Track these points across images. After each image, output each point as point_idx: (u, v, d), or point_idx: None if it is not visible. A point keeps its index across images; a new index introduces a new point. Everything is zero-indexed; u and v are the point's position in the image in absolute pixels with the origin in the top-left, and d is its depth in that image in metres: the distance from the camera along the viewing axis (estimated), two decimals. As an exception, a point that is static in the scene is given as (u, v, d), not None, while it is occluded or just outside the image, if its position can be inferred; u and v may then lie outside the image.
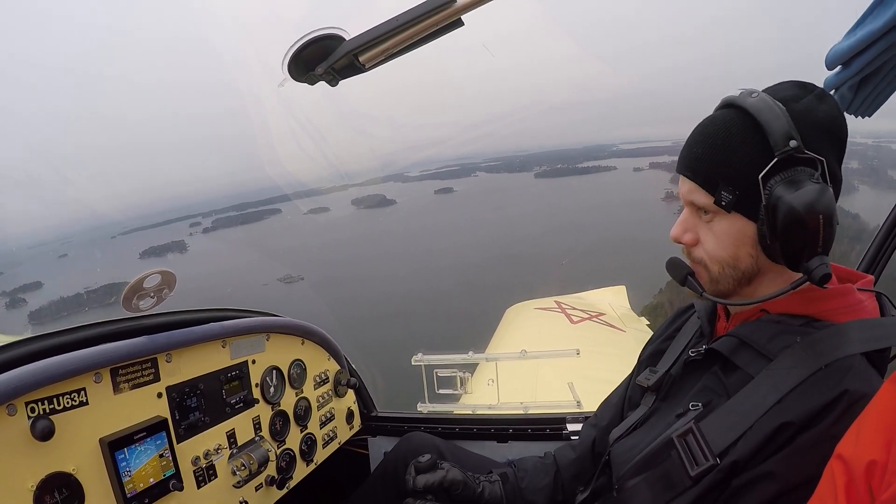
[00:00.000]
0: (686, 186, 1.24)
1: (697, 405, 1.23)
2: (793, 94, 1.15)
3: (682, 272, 1.29)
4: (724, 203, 1.17)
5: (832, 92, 1.46)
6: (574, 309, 8.43)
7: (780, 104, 1.11)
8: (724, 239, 1.21)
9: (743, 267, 1.22)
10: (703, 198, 1.20)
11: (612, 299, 10.40)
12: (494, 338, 7.92)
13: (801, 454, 1.02)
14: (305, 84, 1.08)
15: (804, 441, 1.03)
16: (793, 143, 1.08)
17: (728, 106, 1.21)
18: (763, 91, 1.16)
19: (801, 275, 1.16)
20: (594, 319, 8.01)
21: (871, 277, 1.29)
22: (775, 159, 1.09)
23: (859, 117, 1.51)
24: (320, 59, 1.05)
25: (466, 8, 1.05)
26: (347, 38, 1.05)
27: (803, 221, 1.06)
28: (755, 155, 1.12)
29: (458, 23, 1.08)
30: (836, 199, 1.11)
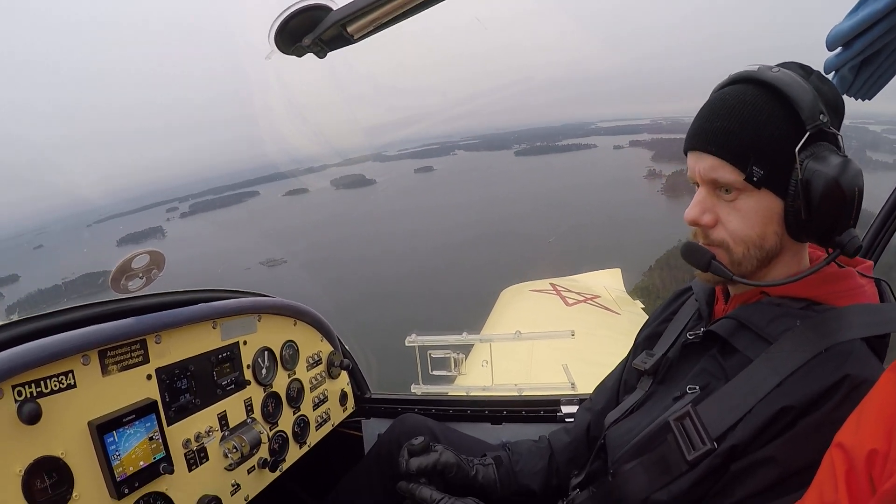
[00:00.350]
0: (707, 163, 1.18)
1: (695, 388, 1.22)
2: (802, 72, 1.15)
3: (703, 257, 1.21)
4: (755, 179, 1.12)
5: (832, 73, 1.43)
6: (569, 291, 8.47)
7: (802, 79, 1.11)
8: (751, 217, 1.16)
9: (768, 246, 1.18)
10: (731, 174, 1.15)
11: (608, 282, 10.45)
12: (489, 319, 7.94)
13: (802, 439, 1.01)
14: (293, 56, 1.05)
15: (805, 426, 1.02)
16: (822, 118, 1.07)
17: (744, 81, 1.18)
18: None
19: (808, 254, 1.18)
20: (589, 302, 8.05)
21: (871, 263, 1.28)
22: (808, 133, 1.08)
23: (859, 100, 1.48)
24: (307, 30, 1.01)
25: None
26: (335, 8, 1.01)
27: (842, 194, 1.05)
28: (786, 129, 1.10)
29: None
30: None
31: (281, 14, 1.00)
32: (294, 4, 1.00)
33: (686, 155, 1.25)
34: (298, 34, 1.01)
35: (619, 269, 11.59)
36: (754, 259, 1.19)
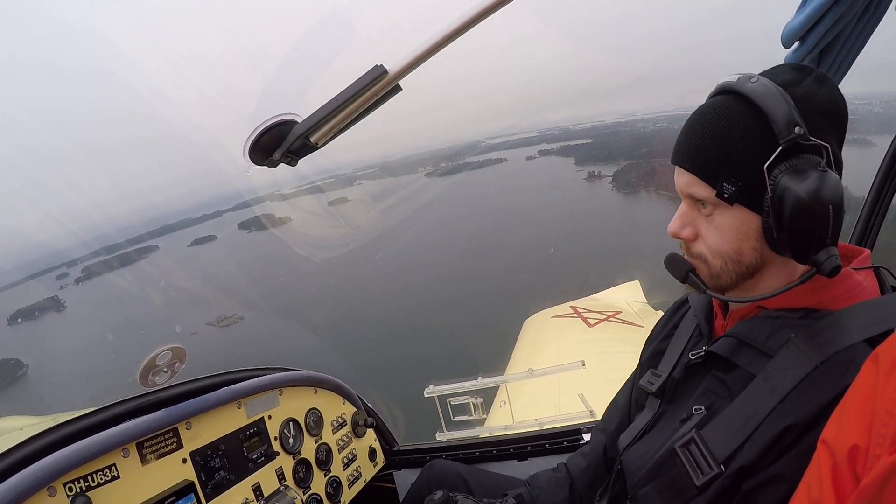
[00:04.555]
0: (684, 179, 1.18)
1: (700, 409, 1.21)
2: (791, 78, 1.10)
3: (682, 269, 1.23)
4: (726, 195, 1.11)
5: None
6: (590, 312, 8.42)
7: (781, 89, 1.07)
8: (726, 233, 1.15)
9: (747, 261, 1.16)
10: (704, 190, 1.14)
11: (628, 296, 10.35)
12: (515, 351, 7.92)
13: (808, 454, 0.96)
14: (267, 168, 1.20)
15: (810, 440, 0.98)
16: (797, 130, 1.03)
17: (725, 92, 1.15)
18: (760, 75, 1.12)
19: (805, 266, 1.12)
20: (611, 319, 7.98)
21: (868, 252, 1.24)
22: (780, 148, 1.04)
23: None
24: (277, 145, 1.17)
25: (401, 75, 1.16)
26: (298, 122, 1.17)
27: (812, 212, 1.01)
28: (758, 144, 1.07)
29: (397, 89, 1.19)
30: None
31: (252, 133, 1.15)
32: (262, 124, 1.16)
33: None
34: (269, 149, 1.17)
35: (637, 282, 11.46)
36: (733, 273, 1.19)
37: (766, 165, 1.05)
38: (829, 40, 1.37)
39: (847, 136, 1.15)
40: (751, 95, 1.08)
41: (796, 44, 1.42)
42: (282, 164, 1.20)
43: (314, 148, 1.19)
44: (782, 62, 1.43)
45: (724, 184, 1.10)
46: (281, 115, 1.16)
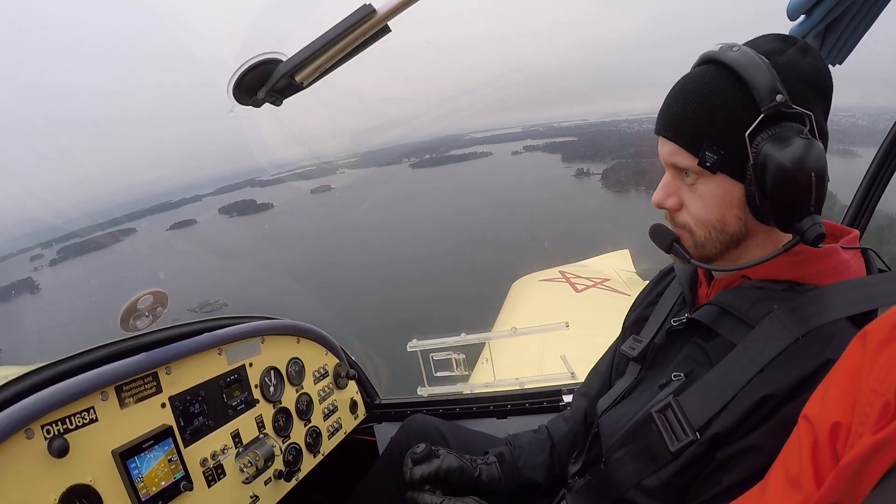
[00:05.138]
0: (667, 148, 1.19)
1: (680, 375, 1.22)
2: (774, 47, 1.10)
3: (666, 238, 1.24)
4: (708, 164, 1.11)
5: None
6: (578, 277, 8.49)
7: (763, 57, 1.06)
8: (710, 201, 1.16)
9: (731, 230, 1.17)
10: (686, 159, 1.15)
11: (617, 264, 10.42)
12: (502, 312, 8.01)
13: (785, 426, 0.97)
14: (251, 107, 1.16)
15: (787, 413, 1.00)
16: (779, 98, 1.03)
17: (707, 62, 1.15)
18: (743, 45, 1.11)
19: (790, 237, 1.12)
20: (599, 286, 8.06)
21: (857, 232, 1.25)
22: (762, 115, 1.05)
23: (830, 65, 1.47)
24: (261, 84, 1.12)
25: (389, 15, 1.11)
26: (284, 59, 1.12)
27: (794, 179, 1.02)
28: (740, 112, 1.08)
29: (385, 29, 1.14)
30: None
31: (236, 71, 1.11)
32: (247, 61, 1.11)
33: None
34: (254, 88, 1.13)
35: (627, 251, 11.51)
36: (717, 242, 1.20)
37: (747, 133, 1.06)
38: (835, 16, 1.35)
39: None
40: (731, 64, 1.08)
41: (801, 17, 1.40)
42: (267, 105, 1.16)
43: (299, 88, 1.15)
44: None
45: (707, 152, 1.11)
46: (266, 53, 1.11)
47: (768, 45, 1.11)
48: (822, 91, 1.11)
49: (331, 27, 1.07)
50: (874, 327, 0.81)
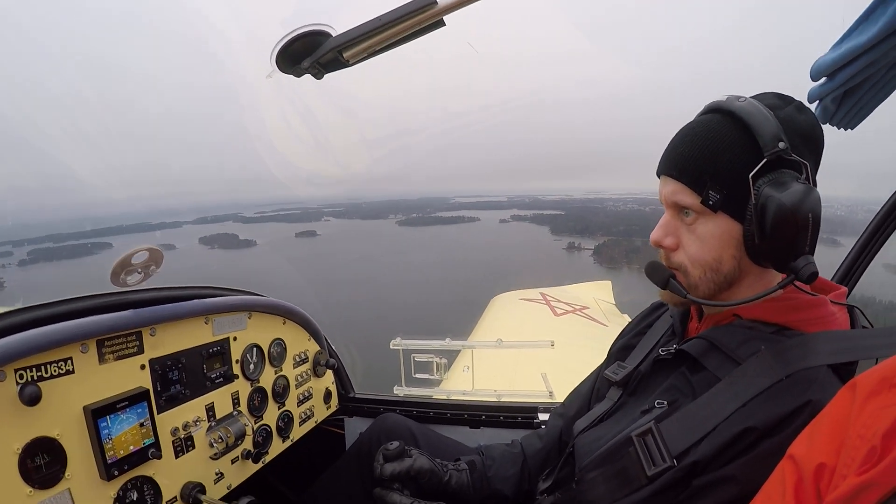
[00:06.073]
0: (670, 187, 1.24)
1: (663, 403, 1.24)
2: (775, 103, 1.18)
3: (663, 275, 1.27)
4: (711, 202, 1.17)
5: (815, 103, 1.48)
6: (559, 301, 8.54)
7: (767, 108, 1.14)
8: (708, 240, 1.21)
9: (725, 270, 1.21)
10: (689, 198, 1.20)
11: (598, 294, 10.50)
12: (478, 325, 8.00)
13: (763, 460, 1.01)
14: (291, 76, 1.13)
15: (766, 448, 1.03)
16: (781, 145, 1.10)
17: (714, 111, 1.23)
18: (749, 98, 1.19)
19: (780, 279, 1.17)
20: (578, 313, 8.11)
21: (845, 289, 1.29)
22: (765, 159, 1.11)
23: (842, 129, 1.53)
24: (307, 54, 1.09)
25: (448, 9, 1.09)
26: (334, 34, 1.10)
27: (794, 219, 1.07)
28: (744, 156, 1.14)
29: (440, 23, 1.12)
30: None
31: (284, 37, 1.08)
32: (297, 29, 1.08)
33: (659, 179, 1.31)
34: (299, 57, 1.10)
35: (609, 282, 11.62)
36: (711, 283, 1.23)
37: (751, 175, 1.11)
38: (856, 82, 1.38)
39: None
40: (738, 112, 1.16)
41: (823, 80, 1.43)
42: (306, 76, 1.13)
43: (345, 64, 1.12)
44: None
45: (710, 191, 1.17)
46: (317, 23, 1.08)
47: (769, 101, 1.19)
48: (815, 146, 1.19)
49: (390, 10, 1.05)
50: (864, 379, 0.84)
